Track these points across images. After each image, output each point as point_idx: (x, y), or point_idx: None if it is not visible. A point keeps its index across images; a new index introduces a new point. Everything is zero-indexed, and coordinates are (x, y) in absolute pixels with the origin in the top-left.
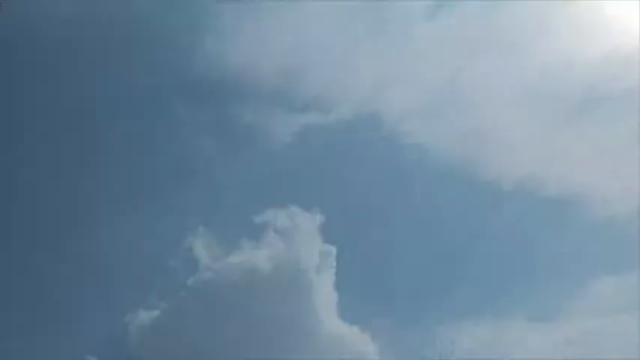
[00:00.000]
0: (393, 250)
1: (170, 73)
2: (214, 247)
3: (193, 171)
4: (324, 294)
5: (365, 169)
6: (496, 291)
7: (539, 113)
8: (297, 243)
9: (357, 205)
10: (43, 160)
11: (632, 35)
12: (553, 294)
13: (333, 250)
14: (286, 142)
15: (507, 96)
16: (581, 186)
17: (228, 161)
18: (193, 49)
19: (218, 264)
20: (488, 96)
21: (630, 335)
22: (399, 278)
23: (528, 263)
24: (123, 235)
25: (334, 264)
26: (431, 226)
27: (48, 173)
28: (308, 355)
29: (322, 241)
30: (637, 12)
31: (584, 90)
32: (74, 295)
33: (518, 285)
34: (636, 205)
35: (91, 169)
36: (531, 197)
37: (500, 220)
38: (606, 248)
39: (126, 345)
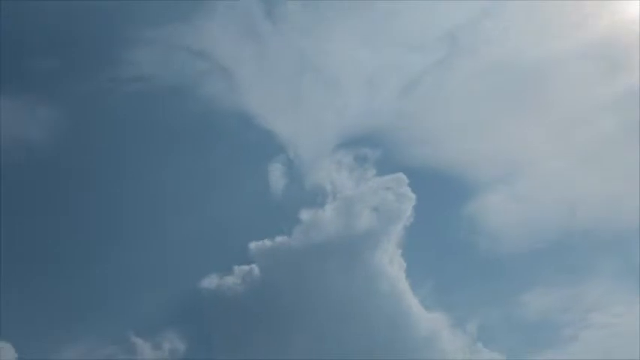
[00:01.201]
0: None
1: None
2: (288, 211)
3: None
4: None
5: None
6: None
7: None
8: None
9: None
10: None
11: None
12: None
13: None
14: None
15: None
16: None
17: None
18: None
19: (290, 230)
20: None
21: None
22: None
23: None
24: (198, 202)
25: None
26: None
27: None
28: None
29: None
30: None
31: None
32: (151, 260)
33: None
34: None
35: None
36: None
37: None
38: None
39: (200, 311)
